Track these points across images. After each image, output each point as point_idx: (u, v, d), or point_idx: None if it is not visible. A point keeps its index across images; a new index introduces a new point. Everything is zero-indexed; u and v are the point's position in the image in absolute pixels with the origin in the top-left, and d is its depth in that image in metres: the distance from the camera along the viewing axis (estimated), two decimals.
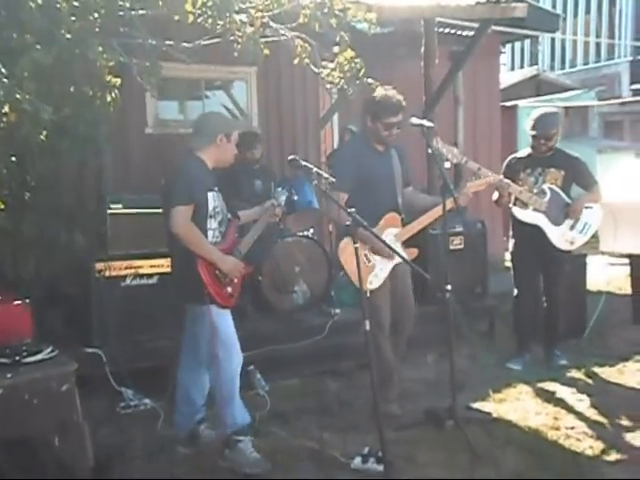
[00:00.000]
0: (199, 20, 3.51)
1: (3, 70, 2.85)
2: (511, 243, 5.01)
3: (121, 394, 4.13)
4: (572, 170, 4.75)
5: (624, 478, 3.26)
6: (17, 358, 2.95)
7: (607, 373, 4.73)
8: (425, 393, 4.36)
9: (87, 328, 4.34)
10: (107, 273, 4.33)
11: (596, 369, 4.79)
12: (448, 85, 6.04)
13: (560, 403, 4.19)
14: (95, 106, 3.52)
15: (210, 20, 3.52)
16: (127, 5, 3.43)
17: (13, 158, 3.71)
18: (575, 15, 26.13)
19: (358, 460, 3.32)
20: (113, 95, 3.54)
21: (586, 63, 25.19)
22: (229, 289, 3.44)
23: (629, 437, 3.68)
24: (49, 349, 3.08)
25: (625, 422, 3.87)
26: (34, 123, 2.93)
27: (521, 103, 12.35)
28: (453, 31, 7.36)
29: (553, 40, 25.54)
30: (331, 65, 4.02)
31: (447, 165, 4.05)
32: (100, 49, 3.25)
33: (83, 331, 4.37)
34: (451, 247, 5.34)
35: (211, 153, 3.44)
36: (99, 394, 3.98)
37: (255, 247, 3.89)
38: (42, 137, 3.31)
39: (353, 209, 3.20)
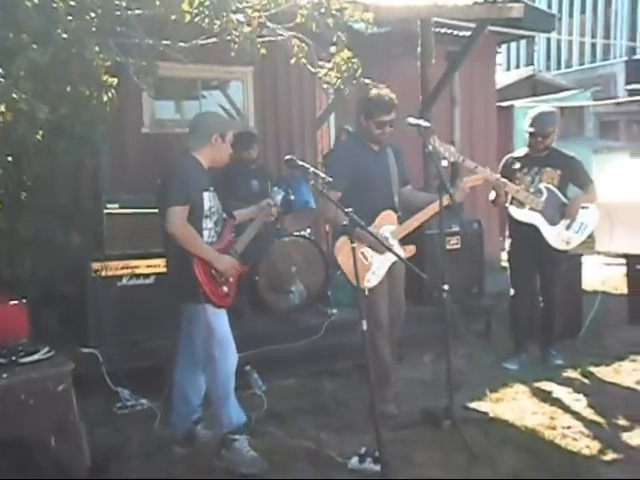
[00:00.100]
0: (196, 20, 3.50)
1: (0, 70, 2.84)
2: (507, 243, 5.02)
3: (117, 394, 4.12)
4: (568, 170, 4.76)
5: (620, 477, 3.26)
6: (13, 358, 2.96)
7: (603, 373, 4.74)
8: (422, 393, 4.36)
9: (83, 328, 4.33)
10: (103, 273, 4.32)
11: (592, 369, 4.79)
12: (445, 85, 6.05)
13: (556, 403, 4.20)
14: (92, 106, 3.50)
15: (207, 20, 3.51)
16: (124, 5, 3.42)
17: (9, 158, 3.69)
18: (570, 15, 26.20)
19: (355, 460, 3.32)
20: (110, 95, 3.53)
21: (582, 63, 25.27)
22: (225, 288, 3.45)
23: (625, 437, 3.69)
24: (45, 349, 3.08)
25: (621, 422, 3.88)
26: (30, 123, 2.93)
27: (517, 103, 12.38)
28: (450, 31, 7.37)
29: (549, 40, 25.61)
30: (328, 65, 4.02)
31: (444, 164, 4.06)
32: (97, 49, 3.24)
33: (79, 331, 4.36)
34: (448, 247, 5.34)
35: (206, 153, 3.44)
36: (95, 394, 3.97)
37: (252, 247, 3.89)
38: (38, 137, 3.29)
39: (350, 209, 3.20)
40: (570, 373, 4.72)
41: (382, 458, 3.12)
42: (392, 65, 6.97)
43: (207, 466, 3.40)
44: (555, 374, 4.68)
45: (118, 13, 3.44)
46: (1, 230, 3.88)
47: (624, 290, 6.31)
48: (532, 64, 24.57)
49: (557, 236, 4.70)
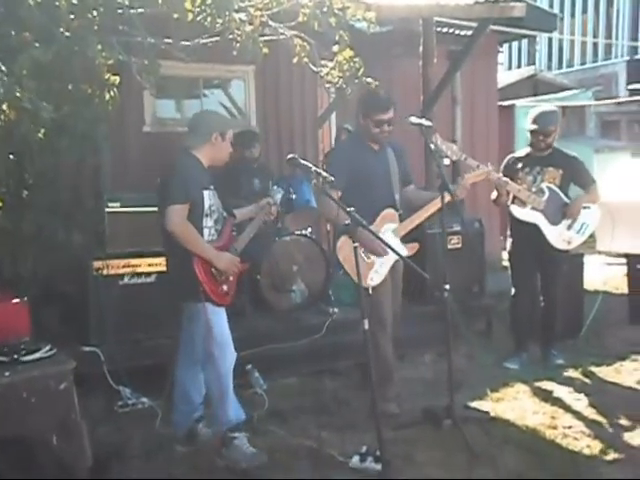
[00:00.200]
0: (198, 18, 3.50)
1: (3, 68, 2.84)
2: (509, 242, 5.02)
3: (119, 393, 4.13)
4: (570, 169, 4.76)
5: (621, 477, 3.26)
6: (15, 356, 2.96)
7: (604, 372, 4.74)
8: (423, 392, 4.36)
9: (85, 326, 4.34)
10: (105, 271, 4.33)
11: (593, 368, 4.79)
12: (446, 84, 6.05)
13: (557, 402, 4.20)
14: (94, 104, 3.50)
15: (209, 18, 3.51)
16: (126, 3, 3.42)
17: (11, 156, 3.69)
18: (572, 15, 26.18)
19: (356, 459, 3.32)
20: (112, 93, 3.53)
21: (583, 63, 25.25)
22: (224, 287, 3.45)
23: (627, 436, 3.69)
24: (47, 347, 3.08)
25: (623, 421, 3.88)
26: (34, 121, 2.93)
27: (518, 103, 12.36)
28: (451, 30, 7.36)
29: (550, 40, 25.59)
30: (330, 64, 4.02)
31: (446, 162, 4.07)
32: (99, 47, 3.24)
33: (81, 329, 4.36)
34: (449, 246, 5.34)
35: (206, 152, 3.44)
36: (97, 393, 3.98)
37: (253, 246, 3.89)
38: (40, 135, 3.30)
39: (352, 208, 3.20)
40: (571, 373, 4.72)
41: (383, 457, 3.12)
42: (394, 64, 6.97)
43: (208, 465, 3.41)
44: (556, 374, 4.68)
45: (120, 11, 3.44)
46: (3, 228, 3.89)
47: (625, 290, 6.31)
48: (534, 63, 24.57)
49: (558, 236, 4.70)
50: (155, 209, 3.44)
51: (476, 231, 5.70)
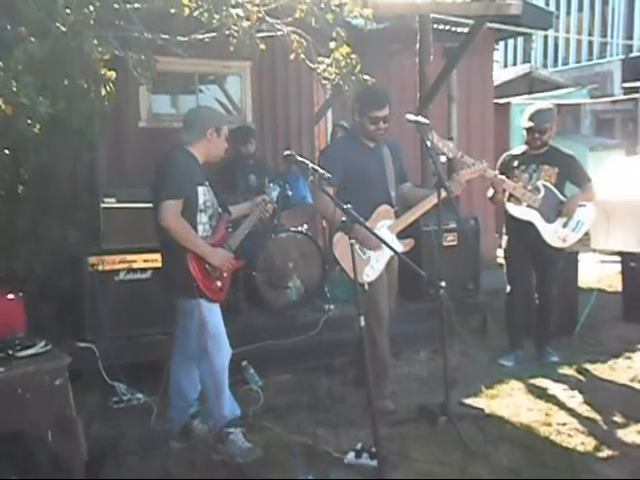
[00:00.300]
0: (195, 14, 3.49)
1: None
2: (504, 240, 5.03)
3: (114, 389, 4.13)
4: (566, 167, 4.77)
5: (615, 473, 3.28)
6: (10, 352, 2.94)
7: (598, 370, 4.76)
8: (418, 389, 4.38)
9: (80, 322, 4.32)
10: (100, 267, 4.31)
11: (587, 366, 4.82)
12: (443, 82, 6.04)
13: (552, 399, 4.21)
14: (90, 99, 3.49)
15: (206, 14, 3.50)
16: None
17: (7, 151, 3.68)
18: (568, 13, 26.20)
19: (351, 455, 3.33)
20: (108, 88, 3.52)
21: (578, 61, 25.29)
22: (218, 283, 3.45)
23: (620, 433, 3.71)
24: (42, 343, 3.06)
25: (616, 418, 3.90)
26: (31, 117, 2.91)
27: (514, 100, 12.38)
28: (447, 27, 7.35)
29: (546, 38, 25.57)
30: (327, 61, 4.01)
31: (442, 160, 4.07)
32: (95, 42, 3.23)
33: (76, 325, 4.35)
34: (444, 244, 5.33)
35: (202, 148, 3.43)
36: (92, 389, 3.98)
37: (249, 242, 3.89)
38: (36, 130, 3.28)
39: (349, 205, 3.20)
40: (565, 370, 4.74)
41: (379, 453, 3.12)
42: (390, 61, 6.96)
43: (204, 460, 3.41)
44: (550, 371, 4.70)
45: (117, 6, 3.43)
46: None
47: (619, 287, 6.33)
48: (529, 61, 24.58)
49: (554, 234, 4.71)
50: (151, 205, 3.43)
51: (472, 229, 5.70)
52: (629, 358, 5.00)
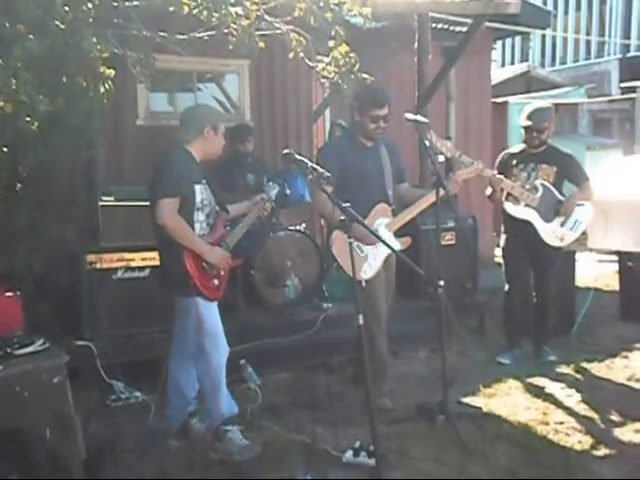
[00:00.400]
0: (194, 12, 3.49)
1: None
2: (502, 238, 5.03)
3: (112, 387, 4.13)
4: (564, 166, 4.78)
5: (612, 473, 3.28)
6: (8, 350, 2.94)
7: (596, 369, 4.77)
8: (416, 388, 4.38)
9: (78, 320, 4.32)
10: (98, 265, 4.31)
11: (585, 365, 4.83)
12: (441, 81, 6.05)
13: (549, 398, 4.22)
14: (88, 97, 3.49)
15: (205, 12, 3.50)
16: None
17: (5, 149, 3.67)
18: (566, 12, 26.21)
19: (349, 454, 3.33)
20: (107, 86, 3.51)
21: (576, 60, 25.29)
22: (215, 281, 3.45)
23: (617, 432, 3.72)
24: (41, 341, 3.06)
25: (614, 417, 3.91)
26: (30, 115, 2.91)
27: (512, 100, 12.39)
28: (446, 26, 7.36)
29: (544, 37, 25.60)
30: (326, 59, 4.01)
31: (440, 159, 4.08)
32: (94, 40, 3.22)
33: (74, 323, 4.34)
34: (442, 242, 5.34)
35: (199, 146, 3.43)
36: (90, 387, 3.98)
37: (248, 241, 3.89)
38: (34, 127, 3.28)
39: (348, 203, 3.20)
40: (563, 369, 4.75)
41: (377, 452, 3.12)
42: (388, 60, 6.96)
43: (202, 459, 3.41)
44: (548, 370, 4.71)
45: (115, 4, 3.43)
46: None
47: (616, 287, 6.35)
48: (526, 60, 24.58)
49: (552, 233, 4.72)
50: (148, 203, 3.43)
51: (470, 227, 5.71)
52: (626, 357, 5.01)
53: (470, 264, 5.68)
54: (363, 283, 3.75)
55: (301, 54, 3.89)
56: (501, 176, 4.56)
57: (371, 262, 3.90)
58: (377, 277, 3.93)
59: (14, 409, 2.83)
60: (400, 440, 3.55)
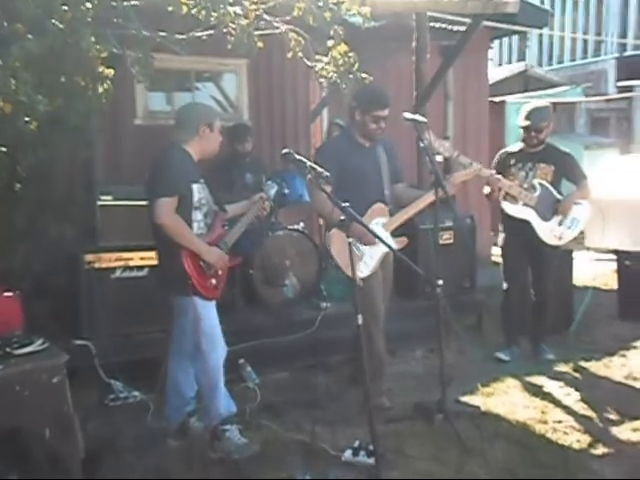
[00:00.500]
0: (193, 11, 3.49)
1: None
2: (501, 237, 5.04)
3: (110, 386, 4.12)
4: (562, 165, 4.79)
5: (610, 472, 3.30)
6: (8, 350, 2.95)
7: (594, 367, 4.78)
8: (414, 387, 4.38)
9: (76, 320, 4.31)
10: (97, 265, 4.31)
11: (583, 363, 4.84)
12: (439, 80, 6.05)
13: (547, 397, 4.23)
14: (87, 97, 3.48)
15: (204, 12, 3.49)
16: None
17: (4, 149, 3.66)
18: (563, 12, 26.22)
19: (348, 453, 3.34)
20: (105, 86, 3.51)
21: (573, 60, 25.31)
22: (213, 281, 3.45)
23: (615, 431, 3.73)
24: (40, 341, 3.07)
25: (612, 416, 3.93)
26: (29, 115, 2.90)
27: (509, 99, 12.40)
28: (444, 26, 7.35)
29: (541, 36, 25.61)
30: (325, 59, 4.01)
31: (439, 159, 4.08)
32: (93, 39, 3.22)
33: (72, 323, 4.34)
34: (441, 242, 5.36)
35: (196, 145, 3.43)
36: (88, 386, 3.97)
37: (246, 240, 3.89)
38: (33, 127, 3.27)
39: (347, 203, 3.21)
40: (561, 367, 4.77)
41: (376, 451, 3.13)
42: (386, 59, 6.95)
43: (201, 458, 3.41)
44: (546, 368, 4.72)
45: (114, 4, 3.42)
46: None
47: (614, 286, 6.36)
48: (524, 60, 24.60)
49: (550, 232, 4.73)
50: (147, 202, 3.43)
51: (468, 227, 5.72)
52: (624, 356, 5.03)
53: (468, 263, 5.69)
54: (359, 281, 3.76)
55: (300, 54, 3.89)
56: (499, 176, 4.57)
57: (367, 261, 3.91)
58: (374, 276, 3.94)
59: (13, 409, 2.83)
60: (398, 439, 3.56)
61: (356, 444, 3.35)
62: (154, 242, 3.48)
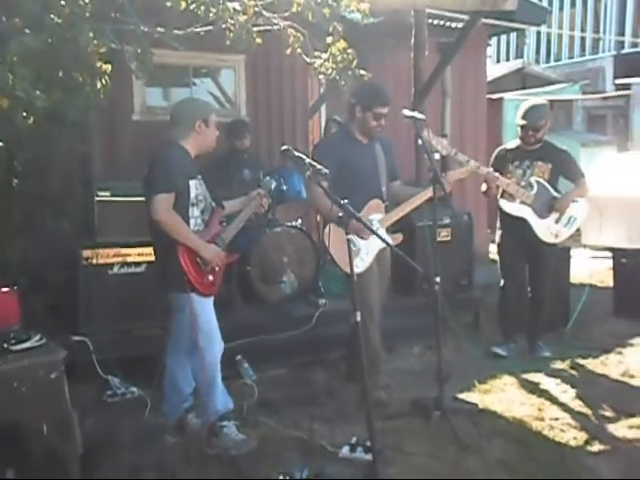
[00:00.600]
0: (192, 7, 3.48)
1: None
2: (498, 235, 5.05)
3: (108, 382, 4.12)
4: (560, 163, 4.79)
5: (606, 468, 3.31)
6: (5, 345, 2.94)
7: (590, 365, 4.79)
8: (412, 384, 4.38)
9: (74, 316, 4.31)
10: (94, 261, 4.30)
11: (579, 361, 4.85)
12: (437, 77, 6.05)
13: (544, 394, 4.24)
14: (85, 92, 3.47)
15: (202, 7, 3.49)
16: None
17: (1, 144, 3.66)
18: (561, 9, 26.23)
19: (346, 449, 3.34)
20: (103, 81, 3.50)
21: (571, 57, 25.34)
22: (210, 277, 3.44)
23: (612, 428, 3.74)
24: (37, 337, 3.06)
25: (608, 413, 3.94)
26: (27, 110, 2.90)
27: (507, 96, 12.40)
28: (442, 23, 7.35)
29: (539, 33, 25.64)
30: (324, 56, 4.01)
31: (436, 157, 4.08)
32: (91, 35, 3.21)
33: (70, 319, 4.33)
34: (438, 239, 5.35)
35: (193, 141, 3.42)
36: (86, 382, 3.96)
37: (244, 237, 3.88)
38: (30, 122, 3.27)
39: (346, 200, 3.21)
40: (558, 365, 4.78)
41: (374, 447, 3.13)
42: (385, 56, 6.95)
43: (198, 454, 3.41)
44: (543, 366, 4.73)
45: None
46: None
47: (610, 283, 6.38)
48: (521, 57, 24.61)
49: (546, 229, 4.74)
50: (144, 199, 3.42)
51: (465, 224, 5.72)
52: (620, 353, 5.04)
53: (466, 260, 5.69)
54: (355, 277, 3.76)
55: (298, 50, 3.89)
56: (496, 174, 4.57)
57: (363, 256, 3.91)
58: (370, 271, 3.94)
59: (11, 404, 2.83)
60: (396, 436, 3.57)
61: (354, 440, 3.36)
62: (151, 238, 3.48)
